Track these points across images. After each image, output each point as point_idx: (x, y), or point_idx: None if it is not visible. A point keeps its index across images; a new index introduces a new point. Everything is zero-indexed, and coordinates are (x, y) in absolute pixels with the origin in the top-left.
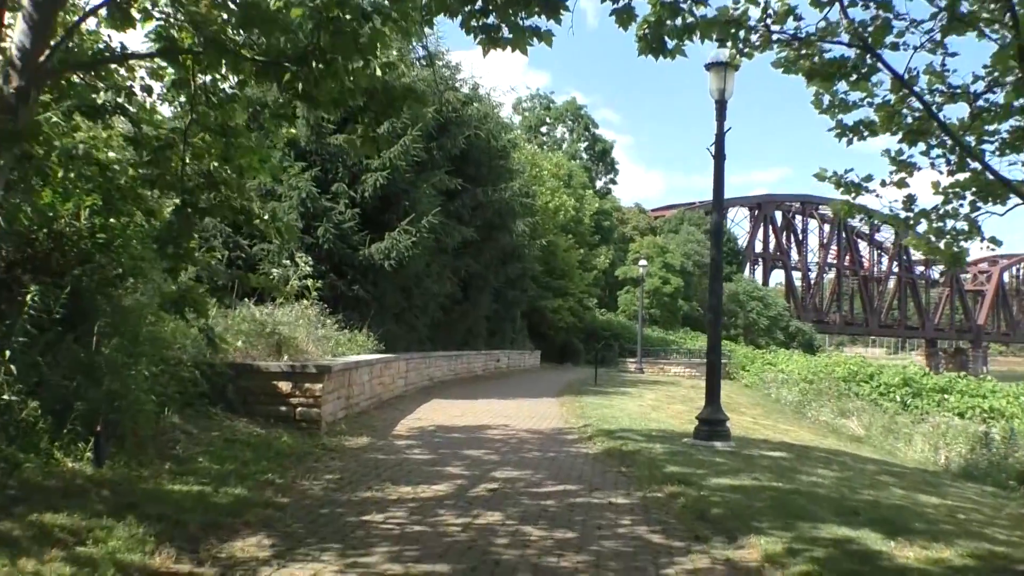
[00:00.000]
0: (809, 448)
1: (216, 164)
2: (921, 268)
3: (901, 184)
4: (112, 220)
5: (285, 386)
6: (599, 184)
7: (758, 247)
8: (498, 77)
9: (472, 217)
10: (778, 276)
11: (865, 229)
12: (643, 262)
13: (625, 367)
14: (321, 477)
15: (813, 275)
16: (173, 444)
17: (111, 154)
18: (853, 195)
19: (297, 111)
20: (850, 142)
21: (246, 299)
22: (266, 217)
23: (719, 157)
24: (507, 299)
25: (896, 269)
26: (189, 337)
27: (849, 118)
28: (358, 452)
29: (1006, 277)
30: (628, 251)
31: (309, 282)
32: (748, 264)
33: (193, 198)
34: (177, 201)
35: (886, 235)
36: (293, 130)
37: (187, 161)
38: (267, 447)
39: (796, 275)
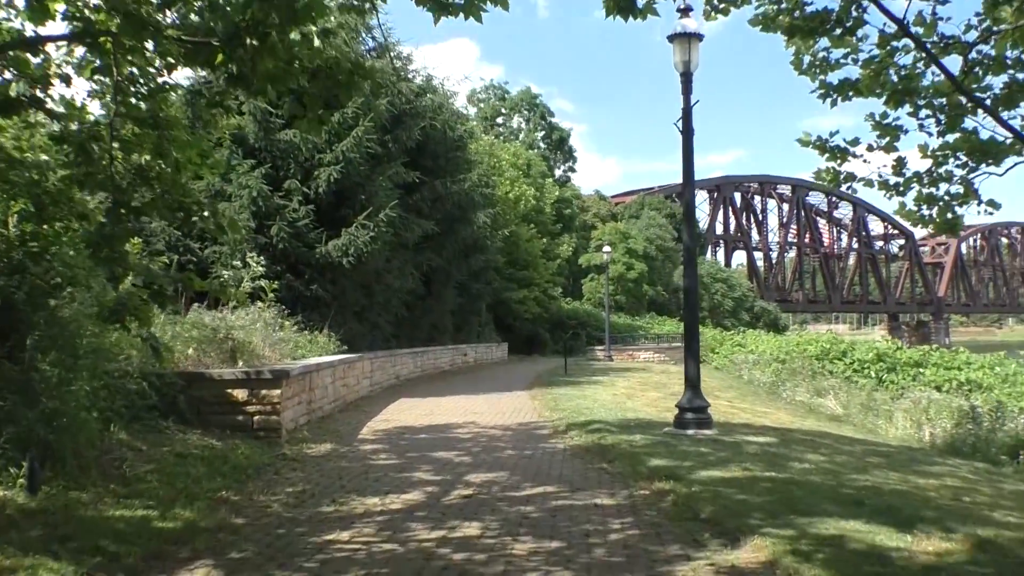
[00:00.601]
0: (792, 431)
1: (148, 158)
2: (880, 243)
3: (889, 148)
4: (44, 227)
5: (241, 394)
6: (558, 173)
7: (719, 229)
8: (451, 69)
9: (432, 210)
10: (740, 257)
11: (824, 207)
12: (607, 248)
13: (594, 355)
14: (281, 491)
15: (774, 255)
16: (119, 463)
17: (42, 156)
18: (839, 161)
19: (239, 102)
20: (834, 103)
21: (196, 304)
22: (206, 214)
23: (687, 132)
24: (471, 292)
25: (856, 245)
26: (135, 347)
27: (833, 77)
28: (321, 460)
29: (964, 248)
30: (591, 239)
31: (264, 283)
32: (710, 246)
33: (125, 196)
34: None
35: (845, 212)
36: (234, 120)
37: (116, 157)
38: (223, 460)
39: (758, 255)
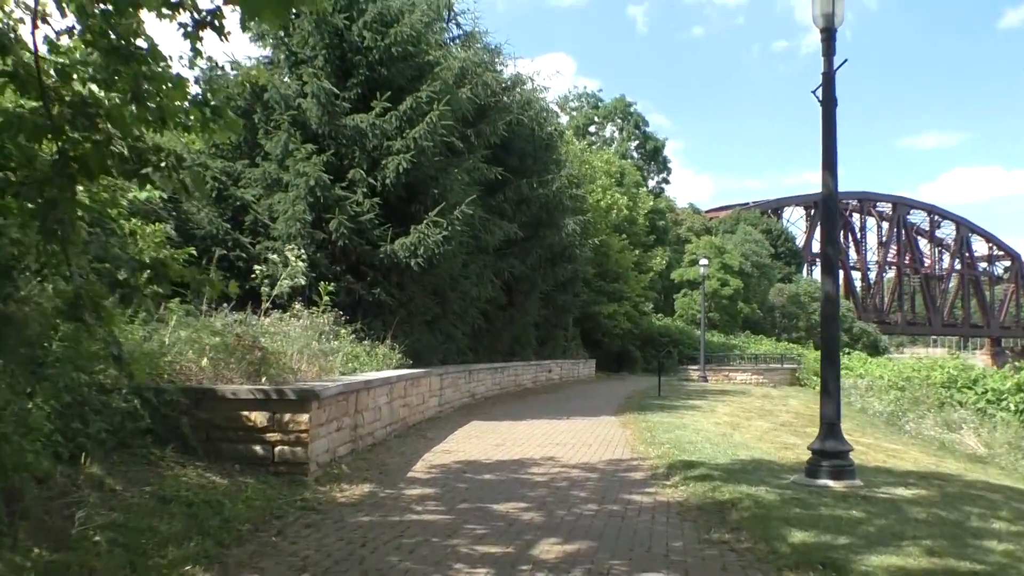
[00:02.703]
0: (943, 478)
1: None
2: (984, 264)
3: None
4: None
5: (259, 418)
6: (651, 184)
7: (815, 247)
8: (546, 82)
9: (516, 213)
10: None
11: (925, 226)
12: (703, 260)
13: (687, 375)
14: (271, 566)
15: (873, 274)
16: (71, 512)
17: None
18: None
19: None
20: None
21: (225, 306)
22: (163, 165)
23: (829, 101)
24: (557, 304)
25: (958, 266)
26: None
27: None
28: (349, 511)
29: None
30: (684, 253)
31: (301, 280)
32: (806, 264)
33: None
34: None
35: (948, 231)
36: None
37: (65, 94)
38: (215, 510)
39: (856, 275)
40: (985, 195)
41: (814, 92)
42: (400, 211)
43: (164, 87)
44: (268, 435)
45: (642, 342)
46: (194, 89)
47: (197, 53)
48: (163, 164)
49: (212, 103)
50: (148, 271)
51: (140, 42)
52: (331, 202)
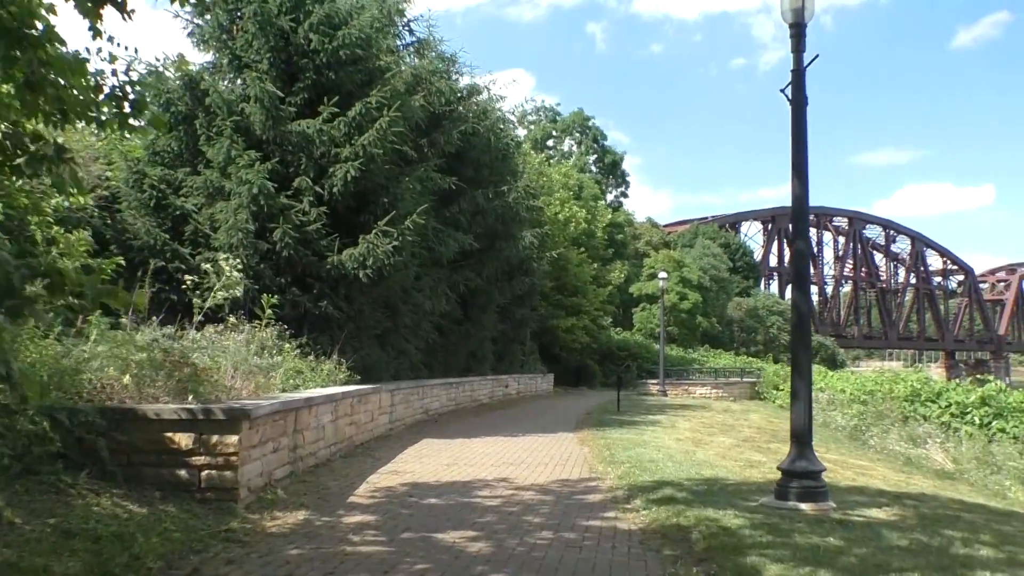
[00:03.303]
0: (915, 497)
1: None
2: (939, 279)
3: None
4: None
5: (184, 440)
6: (610, 197)
7: (772, 261)
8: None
9: (471, 224)
10: None
11: (881, 240)
12: (663, 274)
13: (646, 389)
14: None
15: (829, 289)
16: None
17: None
18: None
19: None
20: None
21: (152, 319)
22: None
23: (799, 100)
24: (515, 318)
25: (913, 280)
26: (44, 369)
27: None
28: (279, 544)
29: None
30: (643, 267)
31: (237, 292)
32: (763, 279)
33: None
34: None
35: (903, 246)
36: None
37: None
38: (126, 544)
39: (812, 289)
40: (938, 210)
41: (783, 90)
42: (349, 221)
43: (64, 74)
44: (194, 459)
45: (601, 356)
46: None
47: (96, 33)
48: (41, 154)
49: (130, 97)
50: (43, 279)
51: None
52: (275, 211)
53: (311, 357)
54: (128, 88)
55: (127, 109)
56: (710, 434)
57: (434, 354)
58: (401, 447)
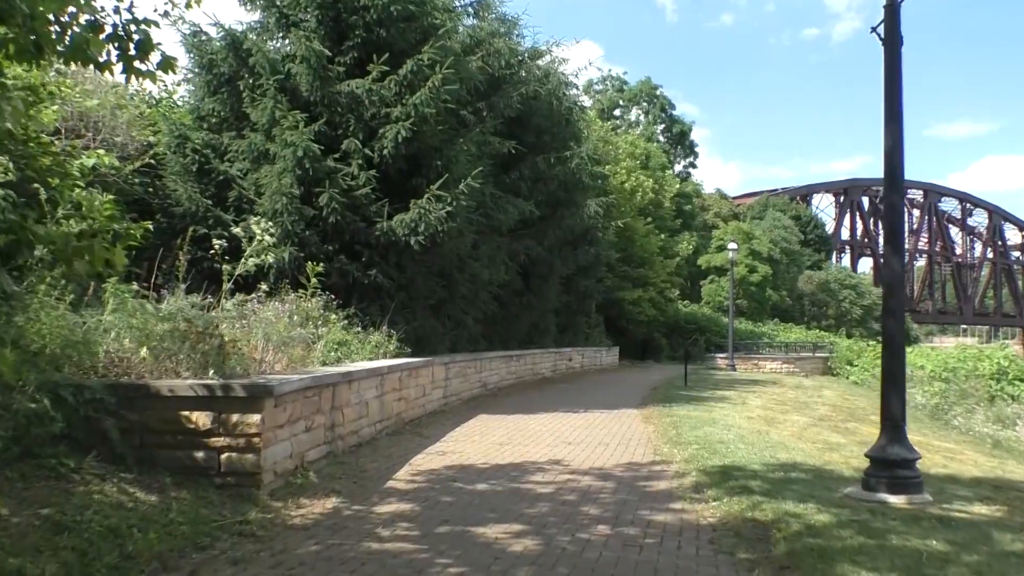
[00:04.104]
0: (1020, 489)
1: None
2: (1017, 253)
3: None
4: None
5: (202, 419)
6: (678, 168)
7: (844, 234)
8: (565, 54)
9: (532, 191)
10: (866, 264)
11: (957, 214)
12: (732, 244)
13: (714, 363)
14: None
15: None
16: None
17: None
18: None
19: None
20: None
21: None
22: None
23: (892, 39)
24: (579, 290)
25: (990, 255)
26: (46, 338)
27: None
28: (298, 538)
29: None
30: (711, 238)
31: (269, 257)
32: (835, 252)
33: None
34: None
35: (979, 219)
36: None
37: None
38: (122, 540)
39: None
40: (1017, 184)
41: (875, 29)
42: (400, 185)
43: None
44: (212, 440)
45: (668, 329)
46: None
47: None
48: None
49: (135, 37)
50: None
51: None
52: (322, 175)
53: (359, 328)
54: (132, 27)
55: (132, 51)
56: (783, 412)
57: (493, 326)
58: (453, 424)
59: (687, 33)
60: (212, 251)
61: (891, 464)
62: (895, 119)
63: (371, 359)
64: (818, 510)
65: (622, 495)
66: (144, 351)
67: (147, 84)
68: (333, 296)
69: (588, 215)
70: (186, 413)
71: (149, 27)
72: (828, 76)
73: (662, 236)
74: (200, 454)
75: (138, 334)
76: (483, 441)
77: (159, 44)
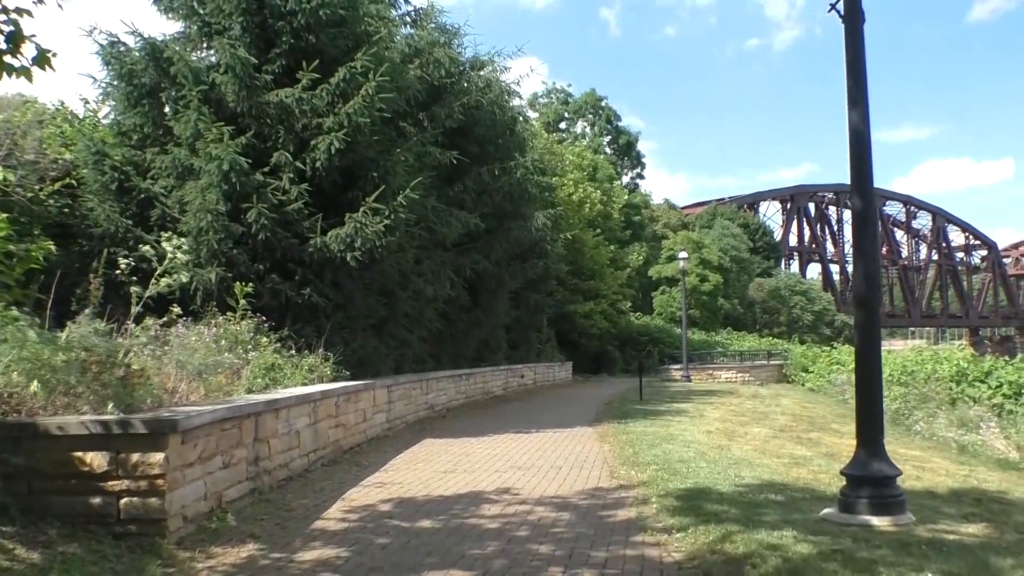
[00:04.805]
0: (1000, 501)
1: None
2: (961, 255)
3: None
4: None
5: (97, 460)
6: (625, 179)
7: (792, 240)
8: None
9: (477, 204)
10: (814, 270)
11: (901, 217)
12: (683, 254)
13: (669, 375)
14: None
15: (851, 267)
16: None
17: None
18: None
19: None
20: None
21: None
22: None
23: (854, 15)
24: (529, 304)
25: (935, 257)
26: None
27: None
28: None
29: None
30: (661, 249)
31: (182, 277)
32: (783, 258)
33: None
34: None
35: (924, 222)
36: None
37: None
38: None
39: (833, 268)
40: (958, 186)
41: (834, 6)
42: (334, 199)
43: None
44: (110, 483)
45: (621, 342)
46: None
47: None
48: None
49: (4, 28)
50: None
51: None
52: (250, 190)
53: (292, 352)
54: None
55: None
56: (742, 424)
57: (441, 344)
58: (396, 451)
59: (631, 46)
60: (118, 271)
61: (872, 482)
62: (859, 105)
63: (305, 383)
64: (795, 538)
65: (578, 528)
66: (35, 385)
67: (70, 102)
68: (265, 318)
69: (536, 227)
70: (79, 454)
71: (21, 16)
72: (771, 85)
73: (612, 247)
74: (96, 500)
75: (29, 366)
76: (427, 469)
77: (33, 36)
